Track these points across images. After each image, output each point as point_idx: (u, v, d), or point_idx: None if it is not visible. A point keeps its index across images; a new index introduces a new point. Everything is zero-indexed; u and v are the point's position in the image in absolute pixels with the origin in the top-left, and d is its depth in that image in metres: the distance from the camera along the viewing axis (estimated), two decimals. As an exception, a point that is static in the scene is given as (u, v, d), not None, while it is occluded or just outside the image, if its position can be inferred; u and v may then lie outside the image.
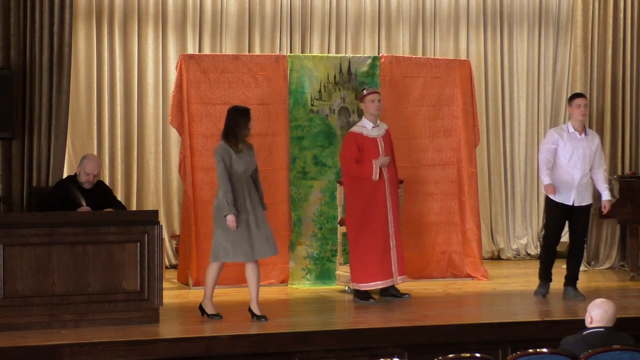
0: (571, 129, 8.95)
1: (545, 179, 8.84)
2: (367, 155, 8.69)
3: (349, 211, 8.82)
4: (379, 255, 8.66)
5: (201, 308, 7.92)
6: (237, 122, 7.79)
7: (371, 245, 8.66)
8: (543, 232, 11.85)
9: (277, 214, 9.69)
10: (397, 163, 10.10)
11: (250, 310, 7.85)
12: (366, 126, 8.81)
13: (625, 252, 10.94)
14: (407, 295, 8.84)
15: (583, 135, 8.96)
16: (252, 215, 7.78)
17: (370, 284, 8.68)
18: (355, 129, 8.87)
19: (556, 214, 9.03)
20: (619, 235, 11.11)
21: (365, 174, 8.65)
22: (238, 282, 9.67)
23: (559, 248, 9.41)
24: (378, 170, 8.65)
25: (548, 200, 9.10)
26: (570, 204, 8.95)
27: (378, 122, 8.90)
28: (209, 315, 7.85)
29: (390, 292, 8.80)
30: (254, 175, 7.90)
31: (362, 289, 8.70)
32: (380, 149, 8.78)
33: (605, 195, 9.06)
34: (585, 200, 9.03)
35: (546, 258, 9.19)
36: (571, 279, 9.12)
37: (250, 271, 7.86)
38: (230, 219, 7.66)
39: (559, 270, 9.24)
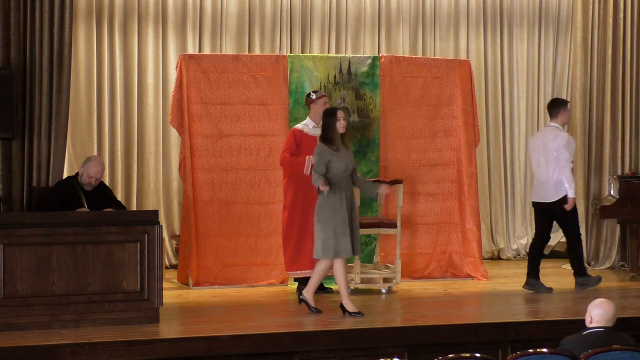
0: None
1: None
2: (304, 151, 9.08)
3: (284, 204, 9.23)
4: (307, 247, 9.02)
5: (342, 307, 8.05)
6: (327, 124, 8.17)
7: (301, 237, 9.08)
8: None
9: (278, 214, 9.68)
10: (397, 163, 10.12)
11: (342, 306, 8.03)
12: (308, 125, 9.23)
13: (625, 252, 10.94)
14: (329, 289, 9.23)
15: None
16: (351, 213, 8.06)
17: (298, 272, 9.12)
18: (298, 125, 9.28)
19: None
20: (619, 235, 11.11)
21: (298, 167, 9.03)
22: (238, 282, 9.69)
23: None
24: (310, 165, 8.95)
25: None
26: None
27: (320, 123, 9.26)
28: (350, 314, 7.97)
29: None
30: (353, 175, 8.21)
31: (291, 276, 9.26)
32: None
33: None
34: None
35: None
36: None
37: (340, 268, 8.05)
38: (322, 184, 7.90)
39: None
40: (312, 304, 8.16)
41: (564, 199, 9.21)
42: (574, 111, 11.17)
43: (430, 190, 10.30)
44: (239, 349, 7.01)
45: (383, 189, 8.58)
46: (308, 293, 8.19)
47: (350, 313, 7.93)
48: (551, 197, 9.28)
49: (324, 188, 7.91)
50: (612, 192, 10.69)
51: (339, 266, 8.04)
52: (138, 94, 11.09)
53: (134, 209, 10.79)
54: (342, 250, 8.00)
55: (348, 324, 7.65)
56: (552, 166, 9.25)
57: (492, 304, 8.98)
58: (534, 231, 9.63)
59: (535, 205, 9.49)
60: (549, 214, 9.37)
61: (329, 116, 8.20)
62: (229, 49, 11.28)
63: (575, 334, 5.86)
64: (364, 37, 11.76)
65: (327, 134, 8.15)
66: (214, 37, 11.32)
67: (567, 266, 11.01)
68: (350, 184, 8.18)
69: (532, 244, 9.67)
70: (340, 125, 8.13)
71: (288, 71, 9.88)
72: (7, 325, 7.17)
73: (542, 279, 9.36)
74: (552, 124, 9.44)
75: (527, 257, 11.97)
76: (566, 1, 12.20)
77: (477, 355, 5.40)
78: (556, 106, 9.48)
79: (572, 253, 9.47)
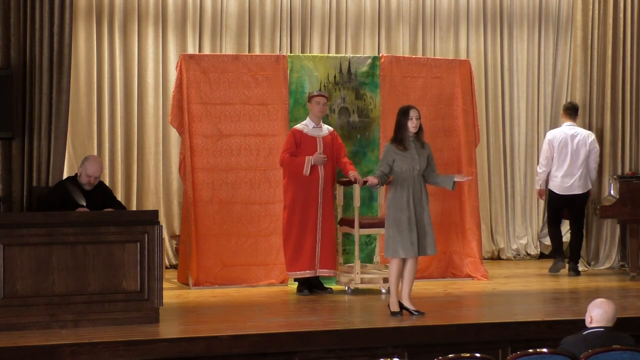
0: None
1: None
2: (303, 151, 9.18)
3: (284, 204, 9.30)
4: (307, 247, 9.14)
5: (401, 306, 7.93)
6: (399, 123, 7.98)
7: (301, 237, 9.16)
8: (544, 230, 11.96)
9: (278, 214, 9.68)
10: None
11: (400, 304, 7.91)
12: (308, 125, 9.33)
13: (625, 252, 10.95)
14: (329, 289, 9.27)
15: None
16: (416, 212, 7.93)
17: (298, 272, 9.20)
18: (298, 126, 9.37)
19: None
20: (619, 235, 11.12)
21: (297, 168, 9.12)
22: (238, 282, 9.69)
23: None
24: (310, 166, 9.08)
25: None
26: None
27: (321, 123, 9.36)
28: (392, 313, 7.88)
29: (315, 286, 9.29)
30: (427, 172, 8.07)
31: (292, 277, 9.32)
32: (318, 148, 9.22)
33: None
34: None
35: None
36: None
37: (407, 267, 7.94)
38: (372, 177, 7.84)
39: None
40: (394, 309, 7.89)
41: (588, 192, 10.54)
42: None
43: (430, 190, 10.21)
44: (239, 349, 7.01)
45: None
46: (392, 298, 7.91)
47: (393, 313, 7.83)
48: (582, 190, 10.48)
49: (372, 181, 7.80)
50: (612, 192, 10.70)
51: (393, 265, 7.93)
52: (138, 94, 11.10)
53: (134, 209, 10.79)
54: (401, 250, 7.85)
55: (348, 324, 7.65)
56: (581, 161, 10.44)
57: (492, 304, 8.98)
58: (549, 220, 10.71)
59: (561, 197, 10.43)
60: (570, 204, 10.45)
61: (401, 115, 7.96)
62: (229, 49, 11.28)
63: (575, 334, 5.86)
64: (364, 37, 11.76)
65: (396, 133, 7.96)
66: (214, 37, 11.32)
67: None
68: (419, 183, 7.98)
69: (553, 231, 10.59)
70: (412, 125, 7.90)
71: (288, 71, 9.88)
72: (7, 325, 7.16)
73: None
74: (573, 123, 10.61)
75: (527, 258, 12.05)
76: (566, 1, 12.20)
77: (477, 355, 5.39)
78: (576, 109, 10.69)
79: (579, 242, 10.59)
